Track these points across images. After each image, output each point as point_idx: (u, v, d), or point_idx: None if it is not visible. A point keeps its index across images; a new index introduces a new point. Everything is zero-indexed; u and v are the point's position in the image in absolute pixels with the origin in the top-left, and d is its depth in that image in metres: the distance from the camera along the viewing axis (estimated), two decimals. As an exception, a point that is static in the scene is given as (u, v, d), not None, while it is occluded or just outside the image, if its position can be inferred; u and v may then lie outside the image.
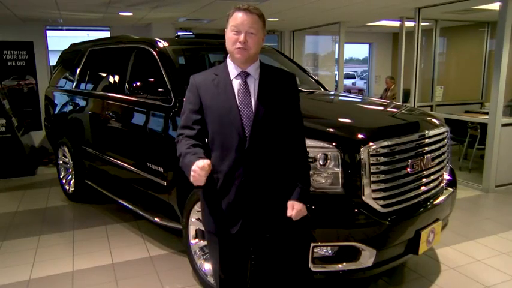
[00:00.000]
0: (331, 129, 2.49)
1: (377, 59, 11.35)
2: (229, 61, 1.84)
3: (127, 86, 3.54)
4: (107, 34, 8.31)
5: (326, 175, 2.31)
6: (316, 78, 4.19)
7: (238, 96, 1.77)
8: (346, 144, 2.35)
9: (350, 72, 23.83)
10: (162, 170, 3.10)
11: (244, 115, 1.75)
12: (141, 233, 3.83)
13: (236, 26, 1.73)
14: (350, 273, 2.40)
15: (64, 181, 4.94)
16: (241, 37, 1.72)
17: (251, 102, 1.77)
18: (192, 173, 1.62)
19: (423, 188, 2.62)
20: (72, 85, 4.68)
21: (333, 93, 4.11)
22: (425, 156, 2.62)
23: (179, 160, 1.77)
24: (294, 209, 1.83)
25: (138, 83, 3.09)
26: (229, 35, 1.76)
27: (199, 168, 1.60)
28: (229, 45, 1.77)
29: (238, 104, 1.76)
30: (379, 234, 2.35)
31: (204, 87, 1.82)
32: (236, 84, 1.80)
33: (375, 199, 2.35)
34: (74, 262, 3.30)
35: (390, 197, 2.42)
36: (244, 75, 1.80)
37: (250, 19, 1.73)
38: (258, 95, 1.78)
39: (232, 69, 1.81)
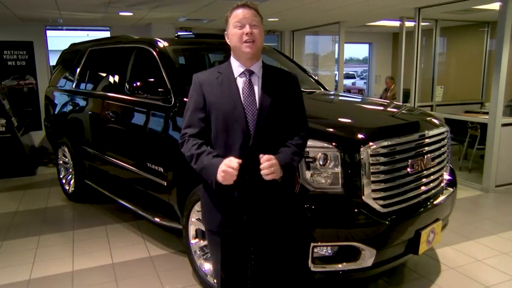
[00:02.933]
0: (331, 129, 2.49)
1: (377, 59, 11.35)
2: (233, 60, 1.85)
3: (127, 86, 3.54)
4: (107, 34, 8.31)
5: (326, 175, 2.31)
6: (316, 78, 4.19)
7: (243, 93, 1.78)
8: (346, 144, 2.35)
9: (350, 72, 23.87)
10: (162, 170, 3.10)
11: (249, 112, 1.76)
12: (141, 233, 3.83)
13: (239, 21, 1.76)
14: (350, 273, 2.39)
15: (64, 181, 4.94)
16: (247, 28, 1.75)
17: (255, 99, 1.78)
18: (222, 173, 1.66)
19: (423, 188, 2.62)
20: (72, 85, 4.68)
21: (333, 93, 4.11)
22: (425, 156, 2.62)
23: (191, 161, 1.79)
24: (268, 160, 1.68)
25: (138, 83, 3.09)
26: (234, 31, 1.77)
27: (233, 169, 1.64)
28: (235, 42, 1.78)
29: (243, 101, 1.77)
30: (379, 234, 2.35)
31: (208, 84, 1.83)
32: (240, 82, 1.81)
33: (375, 199, 2.35)
34: (74, 262, 3.30)
35: (390, 197, 2.42)
36: (248, 73, 1.81)
37: (251, 12, 1.78)
38: (261, 92, 1.79)
39: (237, 68, 1.83)
